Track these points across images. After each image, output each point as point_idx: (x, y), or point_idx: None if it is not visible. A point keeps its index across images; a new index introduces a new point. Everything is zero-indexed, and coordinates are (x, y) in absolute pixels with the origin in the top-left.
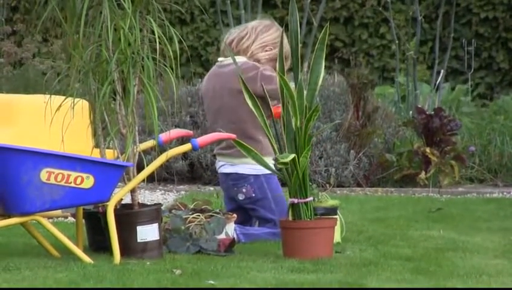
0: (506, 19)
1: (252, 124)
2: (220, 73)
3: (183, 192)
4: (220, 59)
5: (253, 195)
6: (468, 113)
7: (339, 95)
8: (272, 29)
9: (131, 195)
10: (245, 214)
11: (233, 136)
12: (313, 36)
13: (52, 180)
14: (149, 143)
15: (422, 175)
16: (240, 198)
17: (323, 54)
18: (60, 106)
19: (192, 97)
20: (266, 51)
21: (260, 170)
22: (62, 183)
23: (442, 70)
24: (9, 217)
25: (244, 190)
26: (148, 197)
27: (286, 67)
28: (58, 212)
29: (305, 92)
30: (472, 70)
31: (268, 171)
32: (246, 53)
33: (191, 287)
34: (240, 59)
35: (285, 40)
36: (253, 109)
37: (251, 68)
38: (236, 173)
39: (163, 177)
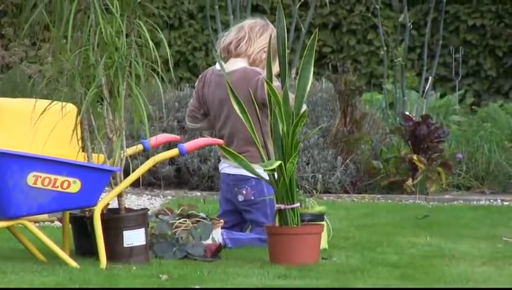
0: (493, 26)
1: (257, 131)
2: (223, 82)
3: (170, 197)
4: (217, 67)
5: (252, 198)
6: (456, 121)
7: (326, 101)
8: (269, 29)
9: (118, 200)
10: (239, 217)
11: (221, 141)
12: (301, 42)
13: (39, 185)
14: (136, 148)
15: (409, 182)
16: (239, 199)
17: (312, 60)
18: (45, 109)
19: (179, 102)
20: (265, 51)
21: (263, 174)
22: (49, 187)
23: (430, 77)
24: None
25: (244, 192)
26: (135, 202)
27: (274, 67)
28: (45, 216)
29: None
30: (460, 77)
31: None
32: (245, 55)
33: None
34: (240, 64)
35: (273, 41)
36: (240, 116)
37: (254, 74)
38: (239, 174)
39: (150, 182)
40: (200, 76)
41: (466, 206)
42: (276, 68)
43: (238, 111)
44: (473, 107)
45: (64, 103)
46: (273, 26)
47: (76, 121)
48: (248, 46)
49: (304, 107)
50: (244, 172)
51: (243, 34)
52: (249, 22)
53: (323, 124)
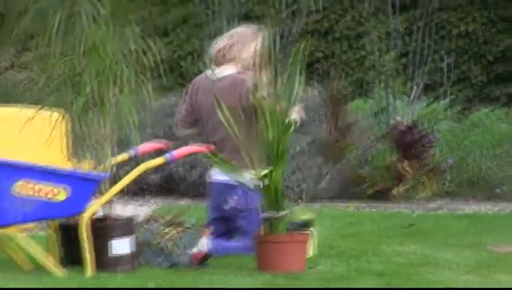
0: (483, 32)
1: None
2: (215, 89)
3: (157, 205)
4: (210, 72)
5: (240, 205)
6: (445, 127)
7: (315, 108)
8: (260, 35)
9: (105, 208)
10: (227, 225)
11: (209, 148)
12: (290, 49)
13: (26, 193)
14: (125, 155)
15: (397, 189)
16: (228, 207)
17: (298, 68)
18: (32, 116)
19: (168, 110)
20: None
21: (251, 182)
22: (36, 195)
23: (420, 84)
24: None
25: (232, 199)
26: (122, 210)
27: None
28: (31, 224)
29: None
30: (449, 83)
31: None
32: (236, 61)
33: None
34: (230, 71)
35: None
36: (224, 123)
37: (241, 82)
38: (228, 182)
39: (137, 189)
40: (193, 80)
41: (451, 215)
42: (267, 74)
43: (222, 119)
44: (464, 112)
45: (52, 110)
46: (265, 33)
47: (65, 128)
48: (239, 53)
49: (301, 112)
50: (232, 179)
51: (234, 41)
52: (240, 29)
53: (312, 134)
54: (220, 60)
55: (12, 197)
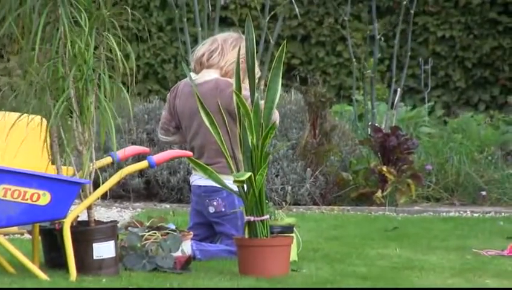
0: (462, 37)
1: (227, 142)
2: (195, 93)
3: (139, 209)
4: (190, 77)
5: (223, 209)
6: (426, 132)
7: (295, 113)
8: (242, 42)
9: (88, 212)
10: (209, 229)
11: (190, 153)
12: (270, 54)
13: (9, 197)
14: (105, 160)
15: (379, 193)
16: (210, 211)
17: (280, 72)
18: (14, 122)
19: (148, 114)
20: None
21: (233, 186)
22: (18, 200)
23: (399, 89)
24: None
25: (215, 203)
26: (104, 214)
27: (246, 79)
28: (15, 228)
29: (261, 110)
30: (429, 89)
31: None
32: (218, 67)
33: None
34: (212, 75)
35: (243, 50)
36: (209, 127)
37: (226, 85)
38: (211, 186)
39: (119, 194)
40: (172, 87)
41: (435, 218)
42: (247, 80)
43: (207, 122)
44: (445, 118)
45: (33, 116)
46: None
47: (46, 134)
48: (220, 58)
49: (277, 114)
50: (215, 183)
51: (215, 46)
52: (222, 35)
53: (293, 140)
54: (202, 65)
55: None
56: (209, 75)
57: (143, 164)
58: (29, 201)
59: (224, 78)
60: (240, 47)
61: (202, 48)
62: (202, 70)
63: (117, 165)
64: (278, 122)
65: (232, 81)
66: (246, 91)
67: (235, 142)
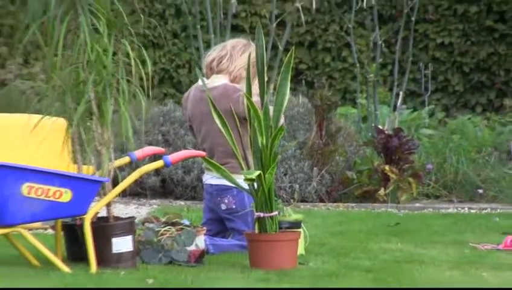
0: (461, 44)
1: (238, 143)
2: (205, 97)
3: (155, 206)
4: (200, 83)
5: (234, 207)
6: (426, 134)
7: (303, 115)
8: (250, 48)
9: (107, 209)
10: (221, 225)
11: (203, 153)
12: (278, 60)
13: (33, 195)
14: (124, 160)
15: (382, 191)
16: (222, 208)
17: (289, 77)
18: (36, 124)
19: (164, 117)
20: (245, 69)
21: (244, 185)
22: (42, 197)
23: (401, 92)
24: None
25: (226, 201)
26: (123, 210)
27: (253, 77)
28: (38, 224)
29: (271, 113)
30: (429, 92)
31: None
32: (227, 72)
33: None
34: (222, 80)
35: (253, 54)
36: (221, 128)
37: (234, 90)
38: (222, 185)
39: (137, 192)
40: (185, 93)
41: (435, 214)
42: (256, 84)
43: (219, 124)
44: (444, 120)
45: (55, 118)
46: (254, 46)
47: (67, 135)
48: (229, 64)
49: (282, 119)
50: (226, 182)
51: (225, 52)
52: (231, 41)
53: (300, 140)
54: (212, 70)
55: (21, 199)
56: (219, 80)
57: (159, 163)
58: (52, 198)
59: (232, 84)
60: (249, 53)
61: (212, 54)
62: (212, 75)
63: (134, 165)
64: (284, 124)
65: (239, 86)
66: (254, 97)
67: (245, 143)
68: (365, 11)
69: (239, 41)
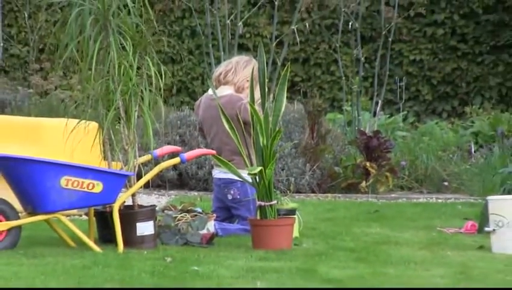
0: (430, 60)
1: (242, 143)
2: (215, 105)
3: (173, 196)
4: (210, 92)
5: (238, 197)
6: (400, 135)
7: (297, 120)
8: (251, 63)
9: (132, 198)
10: (228, 212)
11: (214, 152)
12: (277, 73)
13: (70, 186)
14: (146, 157)
15: (363, 184)
16: (229, 198)
17: (285, 87)
18: (74, 127)
19: (180, 121)
20: (248, 81)
21: (247, 178)
22: (77, 188)
23: (379, 101)
24: (36, 215)
25: (232, 192)
26: (145, 200)
27: (256, 93)
28: (74, 211)
29: (270, 117)
30: (403, 101)
31: None
32: (232, 83)
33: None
34: (228, 90)
35: (256, 72)
36: (229, 131)
37: (237, 100)
38: (228, 178)
39: (157, 184)
40: (197, 101)
41: (408, 203)
42: (257, 94)
43: (227, 127)
44: (416, 123)
45: (89, 122)
46: (255, 61)
47: (99, 136)
48: (234, 76)
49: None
50: (231, 176)
51: (230, 67)
52: (236, 57)
53: (295, 141)
54: (220, 82)
55: (60, 189)
56: (225, 90)
57: (176, 160)
58: (86, 189)
59: (237, 94)
60: (251, 67)
61: (220, 69)
62: (220, 86)
63: (155, 161)
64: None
65: (242, 96)
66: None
67: (248, 143)
68: (350, 33)
69: (242, 58)
